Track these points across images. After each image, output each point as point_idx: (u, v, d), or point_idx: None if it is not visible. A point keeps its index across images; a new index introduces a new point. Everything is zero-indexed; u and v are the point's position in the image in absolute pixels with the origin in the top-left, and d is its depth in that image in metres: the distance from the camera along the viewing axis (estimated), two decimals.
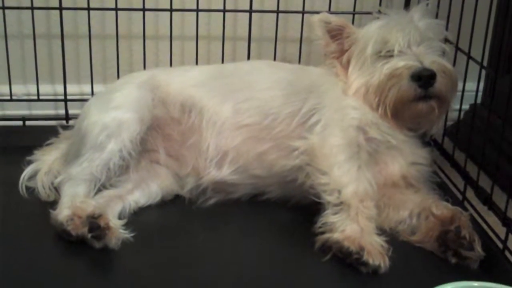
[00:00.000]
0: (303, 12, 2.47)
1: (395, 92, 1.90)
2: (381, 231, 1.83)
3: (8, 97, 2.46)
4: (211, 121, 2.03)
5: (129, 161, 1.97)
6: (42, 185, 1.99)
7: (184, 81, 2.10)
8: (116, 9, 2.39)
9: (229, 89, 2.07)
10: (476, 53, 2.07)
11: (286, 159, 1.97)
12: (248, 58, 2.50)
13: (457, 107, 2.19)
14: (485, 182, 2.01)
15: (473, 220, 1.89)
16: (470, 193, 2.06)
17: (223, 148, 2.01)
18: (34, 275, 1.67)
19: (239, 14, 2.55)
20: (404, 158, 1.95)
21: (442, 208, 1.84)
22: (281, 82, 2.06)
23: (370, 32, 2.00)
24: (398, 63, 1.91)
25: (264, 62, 2.31)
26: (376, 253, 1.73)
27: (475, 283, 1.52)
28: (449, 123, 2.26)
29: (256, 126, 2.01)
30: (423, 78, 1.87)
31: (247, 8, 2.44)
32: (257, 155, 2.01)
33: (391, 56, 1.94)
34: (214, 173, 2.02)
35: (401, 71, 1.89)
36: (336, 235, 1.78)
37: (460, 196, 2.08)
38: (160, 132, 2.05)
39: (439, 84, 1.89)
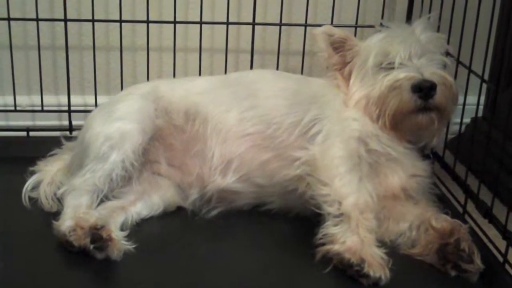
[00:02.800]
0: (305, 25, 2.49)
1: (396, 103, 1.91)
2: (381, 243, 1.83)
3: (13, 108, 2.48)
4: (216, 129, 2.04)
5: (131, 172, 1.99)
6: (45, 195, 2.00)
7: (189, 89, 2.12)
8: (120, 21, 2.40)
9: (234, 97, 2.08)
10: (477, 67, 2.08)
11: (287, 168, 1.97)
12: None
13: (458, 120, 2.19)
14: (485, 195, 2.01)
15: (473, 233, 1.90)
16: (470, 206, 2.06)
17: (227, 156, 2.02)
18: (36, 286, 1.68)
19: (242, 26, 2.57)
20: (404, 170, 1.96)
21: (441, 221, 1.85)
22: (285, 92, 2.08)
23: (371, 45, 2.02)
24: (399, 74, 1.92)
25: (268, 71, 2.33)
26: (376, 265, 1.73)
27: None
28: (450, 136, 2.27)
29: (259, 135, 2.02)
30: (424, 89, 1.88)
31: (250, 21, 2.45)
32: (260, 164, 2.02)
33: (392, 68, 1.95)
34: (219, 181, 2.03)
35: (402, 83, 1.90)
36: (336, 247, 1.78)
37: (460, 209, 2.08)
38: (162, 142, 2.06)
39: (439, 96, 1.90)
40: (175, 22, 2.42)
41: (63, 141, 2.20)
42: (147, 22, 2.41)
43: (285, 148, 2.00)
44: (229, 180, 2.03)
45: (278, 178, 2.01)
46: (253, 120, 2.03)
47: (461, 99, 2.03)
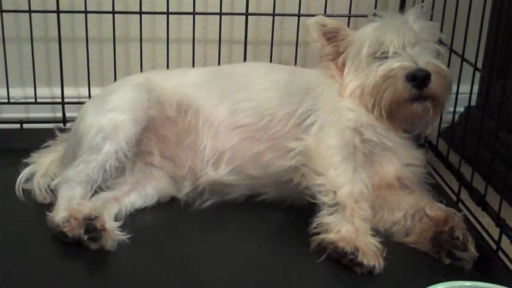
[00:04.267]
0: (299, 15, 2.49)
1: (390, 93, 1.91)
2: (376, 232, 1.84)
3: (6, 100, 2.47)
4: (208, 122, 2.04)
5: (125, 163, 1.98)
6: (38, 187, 2.00)
7: (181, 81, 2.11)
8: (113, 12, 2.40)
9: (225, 90, 2.07)
10: (470, 55, 2.08)
11: (282, 159, 1.97)
12: (245, 60, 2.51)
13: (451, 109, 2.19)
14: (479, 183, 2.02)
15: (467, 221, 1.90)
16: (464, 194, 2.07)
17: (219, 149, 2.02)
18: (30, 277, 1.68)
19: (236, 17, 2.57)
20: (399, 159, 1.96)
21: (436, 209, 1.85)
22: (277, 83, 2.07)
23: (365, 34, 2.01)
24: (393, 64, 1.91)
25: (260, 63, 2.33)
26: (370, 254, 1.73)
27: (467, 283, 1.53)
28: (443, 125, 2.27)
29: (252, 127, 2.02)
30: (418, 79, 1.88)
31: (243, 11, 2.45)
32: (253, 156, 2.02)
33: (386, 57, 1.95)
34: (211, 174, 2.03)
35: (396, 72, 1.90)
36: (331, 236, 1.78)
37: (454, 197, 2.09)
38: (155, 133, 2.06)
39: (434, 84, 1.90)
40: (168, 13, 2.42)
41: (57, 133, 2.20)
42: (140, 13, 2.41)
43: (279, 139, 2.00)
44: (221, 173, 2.02)
45: (273, 169, 2.01)
46: (246, 112, 2.03)
47: (454, 88, 2.03)
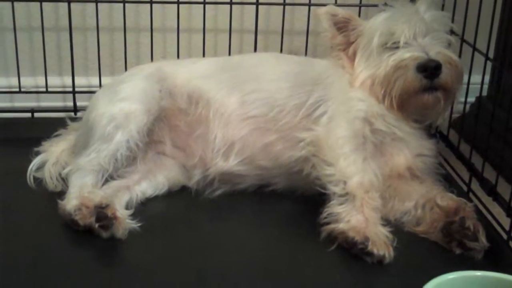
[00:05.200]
0: (309, 5, 2.48)
1: (401, 83, 1.90)
2: (386, 222, 1.84)
3: (17, 89, 2.48)
4: (218, 112, 2.04)
5: (136, 152, 1.99)
6: (49, 175, 2.01)
7: (191, 73, 2.12)
8: (123, 1, 2.40)
9: (236, 81, 2.08)
10: (481, 45, 2.07)
11: (292, 150, 1.98)
12: (255, 50, 2.51)
13: (463, 99, 2.19)
14: (490, 173, 2.01)
15: (478, 211, 1.90)
16: (475, 185, 2.06)
17: (229, 139, 2.03)
18: (41, 265, 1.69)
19: (246, 6, 2.56)
20: (410, 149, 1.96)
21: (447, 199, 1.85)
22: (287, 74, 2.07)
23: (376, 24, 2.01)
24: (404, 54, 1.91)
25: (270, 54, 2.32)
26: (381, 244, 1.74)
27: (478, 273, 1.53)
28: (454, 115, 2.26)
29: (262, 118, 2.02)
30: (429, 69, 1.88)
31: (254, 0, 2.44)
32: (263, 146, 2.02)
33: (397, 47, 1.95)
34: (221, 164, 2.03)
35: (407, 62, 1.90)
36: (341, 226, 1.79)
37: (465, 188, 2.09)
38: (167, 123, 2.06)
39: (445, 75, 1.89)
40: (178, 2, 2.42)
41: (68, 121, 2.20)
42: (151, 2, 2.40)
43: (289, 130, 2.00)
44: (231, 163, 2.03)
45: (283, 160, 2.01)
46: (256, 103, 2.03)
47: (465, 78, 2.03)
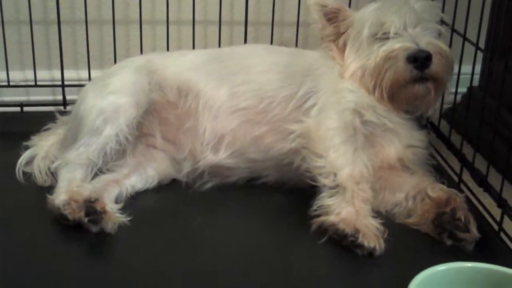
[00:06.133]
0: None
1: (391, 74, 1.89)
2: (377, 214, 1.84)
3: (6, 83, 2.46)
4: (208, 105, 2.03)
5: (125, 146, 1.98)
6: (38, 170, 2.00)
7: (181, 65, 2.11)
8: None
9: (225, 73, 2.07)
10: (472, 35, 2.07)
11: (282, 142, 1.97)
12: (245, 42, 2.50)
13: (453, 90, 2.18)
14: (481, 164, 2.01)
15: (469, 202, 1.90)
16: (466, 175, 2.06)
17: (219, 132, 2.02)
18: (31, 259, 1.68)
19: None
20: (400, 140, 1.95)
21: (437, 190, 1.85)
22: (277, 66, 2.06)
23: (366, 15, 2.00)
24: (394, 45, 1.90)
25: (260, 45, 2.32)
26: (371, 236, 1.73)
27: (468, 264, 1.53)
28: (445, 106, 2.26)
29: (252, 110, 2.01)
30: (419, 60, 1.87)
31: None
32: (253, 139, 2.01)
33: (387, 38, 1.93)
34: (211, 157, 2.02)
35: (397, 53, 1.88)
36: (331, 218, 1.78)
37: (456, 178, 2.09)
38: (157, 116, 2.05)
39: (435, 65, 1.88)
40: None
41: (57, 115, 2.19)
42: None
43: (279, 122, 1.99)
44: (221, 156, 2.02)
45: (273, 152, 2.00)
46: (245, 95, 2.02)
47: (456, 68, 2.02)
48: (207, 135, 2.02)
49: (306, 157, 1.90)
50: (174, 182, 2.05)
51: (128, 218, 1.82)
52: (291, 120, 1.97)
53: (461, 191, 1.93)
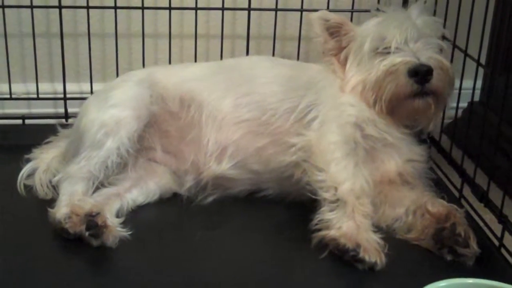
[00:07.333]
0: (301, 10, 2.48)
1: (392, 88, 1.90)
2: (377, 229, 1.83)
3: (8, 96, 2.47)
4: (211, 116, 2.03)
5: (127, 159, 1.98)
6: (40, 183, 2.00)
7: (184, 76, 2.11)
8: (115, 7, 2.39)
9: (229, 84, 2.07)
10: (473, 50, 2.07)
11: (283, 155, 1.97)
12: (247, 56, 2.50)
13: (455, 104, 2.19)
14: (481, 179, 2.01)
15: (469, 217, 1.90)
16: (467, 190, 2.06)
17: (223, 143, 2.02)
18: (31, 273, 1.68)
19: (238, 12, 2.56)
20: (400, 155, 1.96)
21: (437, 206, 1.85)
22: (280, 77, 2.07)
23: (367, 29, 2.01)
24: (395, 59, 1.90)
25: (264, 57, 2.31)
26: (372, 250, 1.73)
27: (469, 280, 1.52)
28: (446, 120, 2.26)
29: (255, 121, 2.02)
30: (420, 74, 1.87)
31: (246, 6, 2.44)
32: (256, 150, 2.01)
33: (388, 53, 1.94)
34: (214, 168, 2.02)
35: (398, 67, 1.89)
36: (332, 232, 1.78)
37: (457, 193, 2.09)
38: (158, 129, 2.06)
39: (436, 80, 1.89)
40: (170, 8, 2.41)
41: (59, 128, 2.20)
42: (142, 8, 2.40)
43: (281, 134, 1.99)
44: (224, 167, 2.02)
45: (274, 165, 2.00)
46: (249, 106, 2.03)
47: (457, 83, 2.02)
48: (210, 145, 2.02)
49: (307, 170, 1.90)
50: (175, 196, 2.05)
51: (129, 232, 1.81)
52: (292, 133, 1.97)
53: (462, 206, 1.93)
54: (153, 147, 2.07)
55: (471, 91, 2.15)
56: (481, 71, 2.08)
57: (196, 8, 2.42)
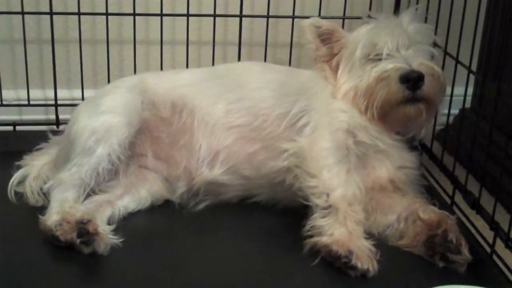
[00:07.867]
0: (293, 17, 2.48)
1: (384, 94, 1.90)
2: (369, 235, 1.83)
3: None
4: (203, 121, 2.03)
5: (118, 166, 1.98)
6: (31, 190, 1.99)
7: (176, 81, 2.11)
8: (106, 14, 2.39)
9: (221, 89, 2.07)
10: (464, 57, 2.08)
11: (275, 160, 1.97)
12: None
13: (446, 111, 2.19)
14: (473, 186, 2.01)
15: (461, 224, 1.90)
16: (458, 197, 2.06)
17: (215, 148, 2.02)
18: (22, 280, 1.67)
19: (229, 19, 2.56)
20: (392, 162, 1.96)
21: (429, 212, 1.85)
22: (272, 83, 2.07)
23: (359, 36, 2.01)
24: (387, 65, 1.91)
25: (256, 63, 2.32)
26: (364, 257, 1.73)
27: (461, 287, 1.53)
28: (438, 127, 2.26)
29: (247, 127, 2.02)
30: (411, 80, 1.87)
31: (237, 13, 2.45)
32: (247, 156, 2.01)
33: (380, 59, 1.94)
34: (206, 173, 2.02)
35: (390, 73, 1.89)
36: (324, 239, 1.78)
37: (448, 200, 2.09)
38: (149, 135, 2.05)
39: (427, 86, 1.89)
40: (162, 15, 2.41)
41: (50, 135, 2.19)
42: (134, 15, 2.40)
43: (272, 139, 1.99)
44: (216, 172, 2.02)
45: (266, 170, 2.00)
46: (240, 112, 2.03)
47: (448, 90, 2.03)
48: (202, 151, 2.02)
49: (298, 176, 1.90)
50: (167, 202, 2.04)
51: (121, 240, 1.81)
52: (284, 139, 1.97)
53: (453, 213, 1.93)
54: (145, 154, 2.06)
55: (462, 97, 2.15)
56: (472, 78, 2.09)
57: (187, 15, 2.42)
